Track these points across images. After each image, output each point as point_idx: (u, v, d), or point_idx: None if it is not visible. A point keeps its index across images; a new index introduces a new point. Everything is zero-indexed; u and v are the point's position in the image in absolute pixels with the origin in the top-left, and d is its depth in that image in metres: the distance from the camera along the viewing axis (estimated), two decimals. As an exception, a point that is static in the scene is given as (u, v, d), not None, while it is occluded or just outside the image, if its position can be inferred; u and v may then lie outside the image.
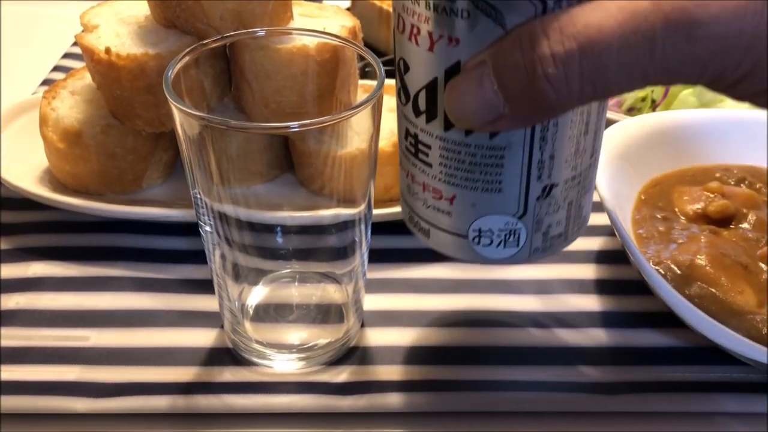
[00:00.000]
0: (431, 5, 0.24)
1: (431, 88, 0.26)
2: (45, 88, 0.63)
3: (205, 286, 0.44)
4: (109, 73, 0.44)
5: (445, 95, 0.26)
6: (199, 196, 0.36)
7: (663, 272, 0.41)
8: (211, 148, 0.34)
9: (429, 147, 0.28)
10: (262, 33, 0.38)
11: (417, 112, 0.28)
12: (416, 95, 0.27)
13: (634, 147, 0.48)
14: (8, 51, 0.75)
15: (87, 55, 0.45)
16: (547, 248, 0.30)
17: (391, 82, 0.54)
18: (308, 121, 0.30)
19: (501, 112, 0.24)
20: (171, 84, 0.32)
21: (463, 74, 0.25)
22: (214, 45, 0.36)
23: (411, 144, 0.29)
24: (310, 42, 0.43)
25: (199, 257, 0.46)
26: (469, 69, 0.24)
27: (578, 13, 0.22)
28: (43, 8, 0.84)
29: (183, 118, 0.32)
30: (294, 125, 0.30)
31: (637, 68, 0.22)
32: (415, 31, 0.26)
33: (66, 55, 0.71)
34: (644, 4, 0.22)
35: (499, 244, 0.29)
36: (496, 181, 0.27)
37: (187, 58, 0.34)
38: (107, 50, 0.43)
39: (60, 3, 0.83)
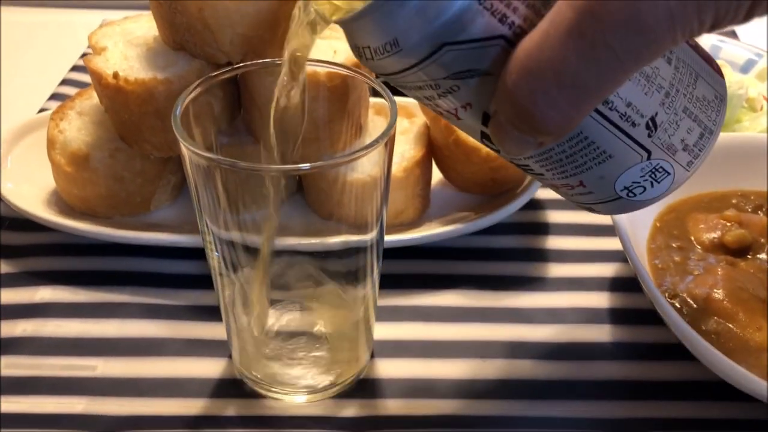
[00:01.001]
0: (429, 98, 0.27)
1: (487, 137, 0.27)
2: (53, 102, 0.63)
3: (212, 313, 0.44)
4: (117, 97, 0.43)
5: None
6: (206, 226, 0.35)
7: (679, 306, 0.40)
8: (220, 182, 0.34)
9: (528, 166, 0.29)
10: (273, 63, 0.37)
11: (498, 152, 0.29)
12: (484, 143, 0.29)
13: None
14: (16, 63, 0.75)
15: (95, 78, 0.44)
16: (700, 152, 0.29)
17: (406, 102, 0.54)
18: (319, 164, 0.30)
19: (537, 141, 0.25)
20: (180, 118, 0.32)
21: (489, 128, 0.26)
22: (224, 77, 0.35)
23: (517, 166, 0.30)
24: (321, 68, 0.42)
25: (207, 282, 0.46)
26: (491, 121, 0.25)
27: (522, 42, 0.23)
28: (51, 16, 0.83)
29: (191, 155, 0.31)
30: (305, 167, 0.30)
31: (603, 67, 0.22)
32: (439, 111, 0.28)
33: (74, 68, 0.71)
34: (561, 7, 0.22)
35: (652, 185, 0.29)
36: (601, 153, 0.27)
37: (196, 91, 0.34)
38: (115, 75, 0.43)
39: (67, 11, 0.83)
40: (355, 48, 0.27)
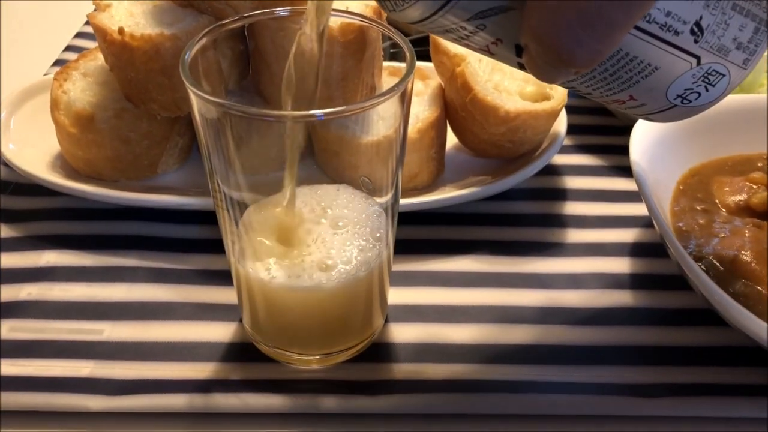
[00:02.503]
0: (459, 38, 0.27)
1: (524, 67, 0.27)
2: (57, 68, 0.62)
3: (223, 277, 0.43)
4: (122, 54, 0.42)
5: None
6: (216, 184, 0.34)
7: (705, 268, 0.39)
8: (230, 134, 0.32)
9: (573, 88, 0.29)
10: (284, 13, 0.36)
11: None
12: (523, 70, 0.28)
13: (671, 134, 0.45)
14: (20, 30, 0.74)
15: (99, 35, 0.43)
16: (757, 47, 0.27)
17: (420, 65, 0.52)
18: (333, 110, 0.28)
19: (571, 71, 0.24)
20: (188, 67, 0.30)
21: (524, 61, 0.25)
22: (232, 26, 0.34)
23: (564, 87, 0.30)
24: (334, 22, 0.40)
25: (216, 246, 0.45)
26: (523, 54, 0.25)
27: None
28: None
29: (200, 104, 0.30)
30: (319, 113, 0.28)
31: None
32: (473, 49, 0.28)
33: (79, 35, 0.69)
34: None
35: (707, 89, 0.28)
36: (646, 66, 0.26)
37: (204, 40, 0.32)
38: (120, 30, 0.41)
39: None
40: (380, 0, 0.27)
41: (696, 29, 0.26)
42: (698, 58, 0.26)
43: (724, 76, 0.27)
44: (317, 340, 0.38)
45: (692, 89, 0.27)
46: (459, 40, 0.27)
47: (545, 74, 0.24)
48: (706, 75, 0.27)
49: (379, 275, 0.38)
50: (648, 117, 0.30)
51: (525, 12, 0.23)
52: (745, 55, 0.27)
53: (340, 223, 0.37)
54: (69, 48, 0.67)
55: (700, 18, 0.25)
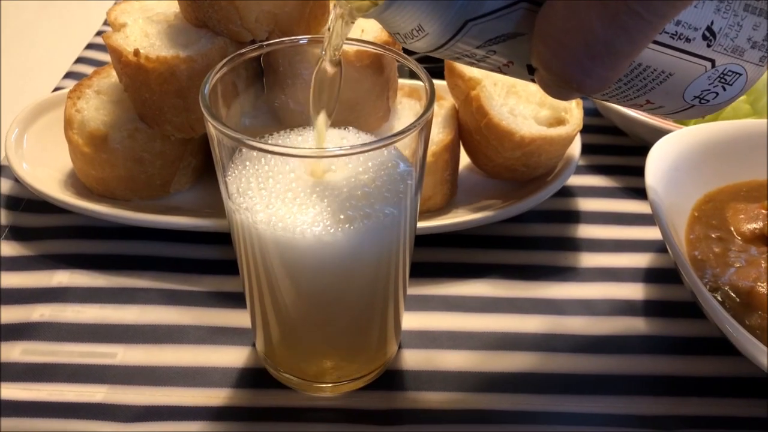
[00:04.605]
0: (471, 63, 0.27)
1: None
2: (68, 81, 0.61)
3: (235, 299, 0.43)
4: (137, 75, 0.42)
5: None
6: (232, 207, 0.34)
7: (721, 299, 0.39)
8: (248, 161, 0.32)
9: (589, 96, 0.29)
10: (303, 41, 0.35)
11: None
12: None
13: (686, 159, 0.45)
14: (28, 40, 0.73)
15: (114, 56, 0.43)
16: None
17: (439, 82, 0.52)
18: (349, 150, 0.28)
19: (580, 95, 0.25)
20: (208, 98, 0.30)
21: (536, 81, 0.26)
22: (251, 54, 0.33)
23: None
24: (349, 47, 0.40)
25: (228, 267, 0.45)
26: (535, 75, 0.25)
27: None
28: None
29: (221, 137, 0.30)
30: (337, 149, 0.28)
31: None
32: (485, 68, 0.28)
33: (90, 46, 0.69)
34: None
35: (724, 88, 0.28)
36: (660, 74, 0.26)
37: (223, 70, 0.32)
38: (136, 52, 0.41)
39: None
40: (389, 33, 0.27)
41: (708, 34, 0.26)
42: (712, 61, 0.26)
43: (740, 75, 0.27)
44: (332, 356, 0.38)
45: (709, 90, 0.28)
46: (472, 64, 0.27)
47: (556, 96, 0.25)
48: (722, 76, 0.27)
49: (394, 301, 0.37)
50: (667, 117, 0.30)
51: (532, 41, 0.23)
52: (762, 53, 0.27)
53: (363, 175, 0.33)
54: (80, 60, 0.66)
55: (712, 23, 0.25)
